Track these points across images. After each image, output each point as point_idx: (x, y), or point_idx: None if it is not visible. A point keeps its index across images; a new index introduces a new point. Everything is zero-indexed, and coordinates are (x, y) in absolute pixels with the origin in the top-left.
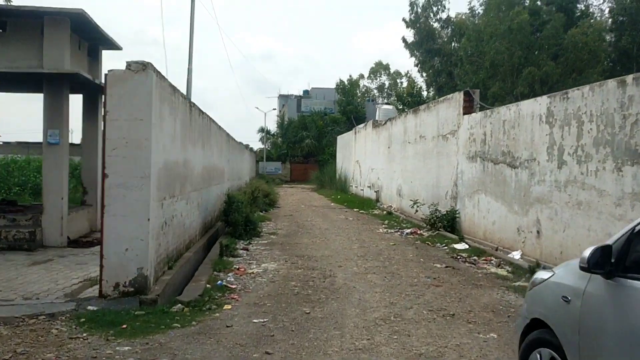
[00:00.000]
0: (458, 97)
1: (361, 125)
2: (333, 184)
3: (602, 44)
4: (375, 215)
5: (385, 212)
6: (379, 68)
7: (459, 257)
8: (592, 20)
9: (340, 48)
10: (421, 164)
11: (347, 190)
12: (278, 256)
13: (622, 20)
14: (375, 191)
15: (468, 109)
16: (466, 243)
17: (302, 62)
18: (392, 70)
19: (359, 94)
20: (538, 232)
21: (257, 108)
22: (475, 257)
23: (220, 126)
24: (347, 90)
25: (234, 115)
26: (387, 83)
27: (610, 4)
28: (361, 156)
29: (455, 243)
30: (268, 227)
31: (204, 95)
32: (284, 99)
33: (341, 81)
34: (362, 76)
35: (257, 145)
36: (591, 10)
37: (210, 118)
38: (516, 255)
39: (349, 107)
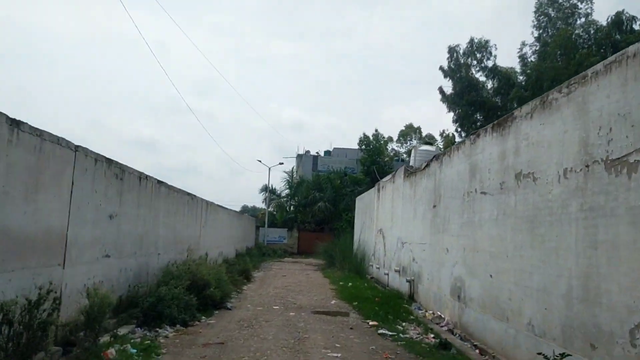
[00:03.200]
0: None
1: (387, 178)
2: (346, 262)
3: None
4: (414, 347)
5: (432, 334)
6: (409, 131)
7: None
8: None
9: (370, 119)
10: (522, 239)
11: (365, 271)
12: None
13: None
14: (408, 280)
15: None
16: None
17: (329, 131)
18: (424, 134)
19: (387, 156)
20: None
21: (260, 161)
22: None
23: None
24: (373, 147)
25: (261, 181)
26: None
27: None
28: (386, 223)
29: None
30: None
31: (233, 163)
32: (300, 158)
33: (365, 136)
34: (390, 139)
35: (261, 206)
36: None
37: None
38: None
39: (374, 166)
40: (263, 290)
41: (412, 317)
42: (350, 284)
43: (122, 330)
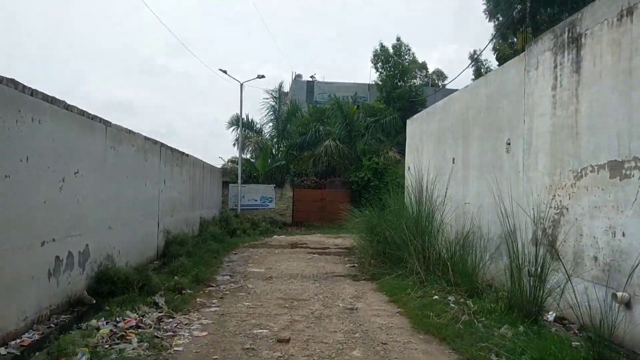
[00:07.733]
0: None
1: None
2: (432, 250)
3: None
4: None
5: None
6: (414, 67)
7: None
8: None
9: (358, 74)
10: None
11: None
12: None
13: None
14: None
15: None
16: None
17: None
18: (429, 71)
19: (412, 76)
20: None
21: (224, 71)
22: None
23: None
24: (394, 64)
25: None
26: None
27: None
28: None
29: None
30: None
31: (213, 124)
32: (286, 95)
33: (382, 49)
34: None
35: (232, 153)
36: None
37: None
38: None
39: (398, 91)
40: None
41: None
42: None
43: None
